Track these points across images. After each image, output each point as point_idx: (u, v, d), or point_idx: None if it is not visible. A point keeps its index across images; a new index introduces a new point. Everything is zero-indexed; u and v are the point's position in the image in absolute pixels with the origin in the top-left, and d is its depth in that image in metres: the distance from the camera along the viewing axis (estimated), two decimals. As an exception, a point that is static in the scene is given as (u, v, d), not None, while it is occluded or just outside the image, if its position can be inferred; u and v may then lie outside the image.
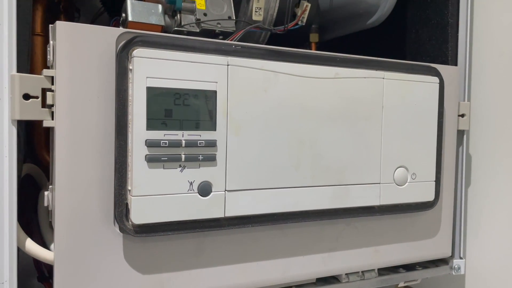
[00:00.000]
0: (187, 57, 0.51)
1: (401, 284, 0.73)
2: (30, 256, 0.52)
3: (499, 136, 0.76)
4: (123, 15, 0.59)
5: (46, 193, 0.52)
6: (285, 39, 0.74)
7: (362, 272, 0.67)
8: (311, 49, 0.84)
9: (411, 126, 0.66)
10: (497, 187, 0.76)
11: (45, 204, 0.52)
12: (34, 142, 0.65)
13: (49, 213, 0.57)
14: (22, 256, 0.53)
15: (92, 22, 0.84)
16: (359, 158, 0.62)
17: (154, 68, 0.49)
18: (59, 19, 0.74)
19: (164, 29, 0.61)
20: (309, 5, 0.73)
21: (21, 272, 0.53)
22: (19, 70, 0.49)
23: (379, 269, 0.69)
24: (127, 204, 0.49)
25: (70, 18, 0.78)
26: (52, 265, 0.49)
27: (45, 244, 0.57)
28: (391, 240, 0.68)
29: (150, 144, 0.49)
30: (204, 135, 0.52)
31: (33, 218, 0.61)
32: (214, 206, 0.53)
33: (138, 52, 0.48)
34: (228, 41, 0.59)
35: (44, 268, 0.63)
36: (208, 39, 0.55)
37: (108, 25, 0.68)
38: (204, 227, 0.53)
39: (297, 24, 0.74)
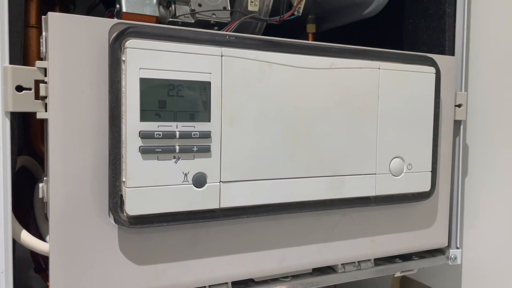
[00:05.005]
0: (181, 48, 0.50)
1: (398, 274, 0.73)
2: (26, 247, 0.52)
3: (496, 126, 0.75)
4: (117, 6, 0.59)
5: (41, 185, 0.52)
6: (281, 29, 0.74)
7: (358, 262, 0.68)
8: (308, 39, 0.83)
9: (407, 116, 0.65)
10: (494, 177, 0.76)
11: (40, 196, 0.52)
12: (30, 134, 0.65)
13: (44, 205, 0.57)
14: (20, 248, 0.53)
15: (88, 13, 0.83)
16: (354, 149, 0.62)
17: (147, 59, 0.49)
18: (54, 11, 0.74)
19: (158, 20, 0.60)
20: (305, -5, 0.73)
21: (18, 263, 0.53)
22: (12, 61, 0.48)
23: (375, 259, 0.70)
24: (121, 195, 0.49)
25: (65, 9, 0.78)
26: (48, 256, 0.49)
27: (41, 236, 0.57)
28: (387, 230, 0.69)
29: (144, 135, 0.49)
30: (198, 126, 0.52)
31: (29, 210, 0.61)
32: (209, 197, 0.53)
33: (131, 43, 0.48)
34: (222, 32, 0.59)
35: (41, 259, 0.63)
36: (202, 29, 0.54)
37: (104, 16, 0.67)
38: (199, 218, 0.53)
39: (293, 14, 0.73)
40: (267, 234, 0.59)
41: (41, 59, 0.51)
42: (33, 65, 0.49)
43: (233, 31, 0.63)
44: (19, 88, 0.47)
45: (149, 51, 0.49)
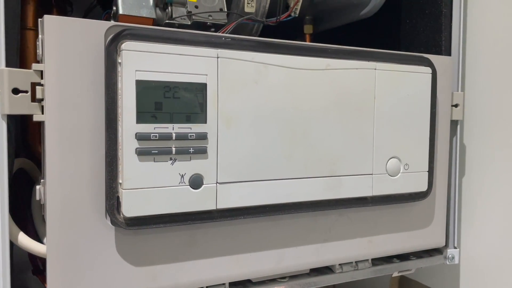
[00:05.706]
0: (177, 50, 0.51)
1: (395, 274, 0.73)
2: (24, 249, 0.52)
3: (493, 126, 0.75)
4: (114, 8, 0.59)
5: (38, 187, 0.52)
6: (279, 31, 0.74)
7: (356, 262, 0.68)
8: (305, 40, 0.83)
9: (403, 117, 0.66)
10: (491, 177, 0.76)
11: (37, 198, 0.52)
12: (28, 136, 0.65)
13: (41, 207, 0.57)
14: (17, 250, 0.54)
15: (85, 16, 0.83)
16: (351, 149, 0.62)
17: (143, 61, 0.49)
18: (51, 14, 0.74)
19: (155, 22, 0.61)
20: (302, -4, 0.73)
21: (16, 266, 0.54)
22: (8, 64, 0.49)
23: (372, 259, 0.70)
24: (118, 197, 0.49)
25: (63, 12, 0.78)
26: (46, 258, 0.50)
27: (39, 238, 0.57)
28: (385, 231, 0.69)
29: (140, 137, 0.49)
30: (195, 128, 0.52)
31: (27, 212, 0.61)
32: (206, 199, 0.53)
33: (127, 45, 0.48)
34: (218, 33, 0.59)
35: (39, 261, 0.63)
36: (198, 31, 0.55)
37: (101, 18, 0.68)
38: (196, 219, 0.53)
39: (290, 15, 0.73)
40: (264, 234, 0.59)
41: (38, 62, 0.51)
42: (30, 68, 0.49)
43: (230, 33, 0.63)
44: (16, 91, 0.47)
45: (145, 53, 0.49)
